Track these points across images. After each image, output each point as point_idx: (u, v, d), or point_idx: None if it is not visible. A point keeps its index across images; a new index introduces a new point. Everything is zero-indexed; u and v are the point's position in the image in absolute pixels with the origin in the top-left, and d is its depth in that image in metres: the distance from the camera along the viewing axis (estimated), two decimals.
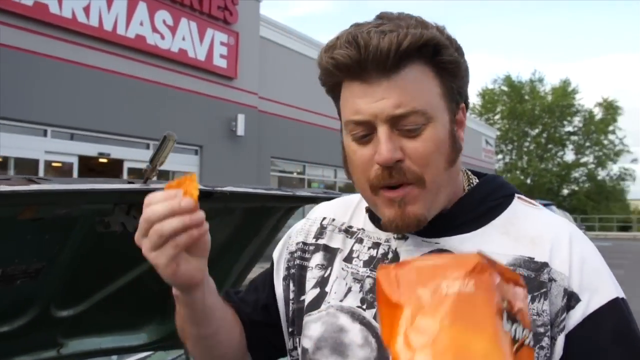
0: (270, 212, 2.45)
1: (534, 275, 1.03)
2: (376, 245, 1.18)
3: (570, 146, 53.85)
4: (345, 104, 1.05)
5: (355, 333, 1.10)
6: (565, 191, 53.80)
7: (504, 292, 0.78)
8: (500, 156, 51.82)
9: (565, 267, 1.03)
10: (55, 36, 11.59)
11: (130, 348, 2.51)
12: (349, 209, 1.28)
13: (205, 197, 1.88)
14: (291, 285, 1.27)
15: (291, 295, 1.27)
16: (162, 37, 13.95)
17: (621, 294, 1.05)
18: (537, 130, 52.93)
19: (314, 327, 1.17)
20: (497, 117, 53.44)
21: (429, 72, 1.01)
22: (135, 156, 13.68)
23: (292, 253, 1.30)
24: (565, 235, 1.08)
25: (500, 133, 49.97)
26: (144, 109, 13.43)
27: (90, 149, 12.73)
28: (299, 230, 1.33)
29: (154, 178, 1.58)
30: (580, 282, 1.02)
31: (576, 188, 53.82)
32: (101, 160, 13.08)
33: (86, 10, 12.07)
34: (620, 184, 54.76)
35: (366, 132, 1.03)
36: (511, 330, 0.77)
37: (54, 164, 12.18)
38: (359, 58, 0.98)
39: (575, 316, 1.01)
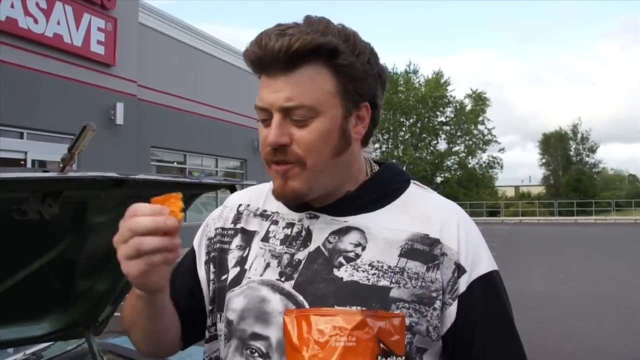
0: None
1: (428, 250, 1.21)
2: (290, 225, 1.32)
3: (443, 136, 56.38)
4: (259, 88, 1.22)
5: (276, 302, 1.22)
6: (439, 179, 56.24)
7: (381, 334, 1.04)
8: (377, 145, 53.25)
9: (454, 244, 1.22)
10: None
11: (32, 338, 2.50)
12: (262, 195, 1.43)
13: (118, 185, 1.94)
14: (211, 267, 1.40)
15: (212, 277, 1.39)
16: (36, 21, 13.31)
17: (495, 267, 1.28)
18: (411, 120, 54.87)
19: (236, 301, 1.28)
20: None
21: (325, 73, 1.17)
22: (9, 146, 13.05)
23: (210, 239, 1.43)
24: (454, 216, 1.27)
25: None
26: (17, 97, 12.81)
27: None
28: (216, 217, 1.46)
29: (73, 166, 1.62)
30: (465, 257, 1.22)
31: (449, 176, 56.41)
32: None
33: None
34: (489, 172, 57.98)
35: (266, 117, 1.20)
36: None
37: None
38: (260, 56, 1.16)
39: (462, 283, 1.21)
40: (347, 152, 1.25)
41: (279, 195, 1.25)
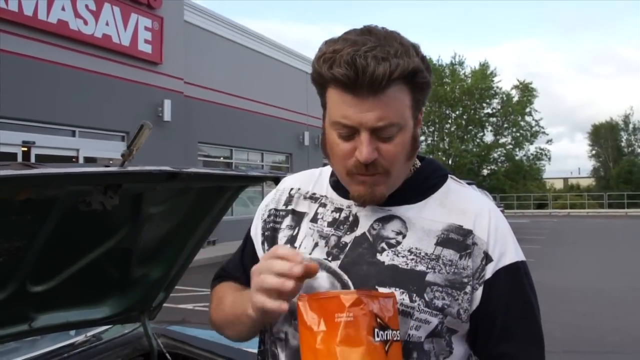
0: (222, 192, 2.67)
1: (462, 239, 1.34)
2: (339, 210, 1.44)
3: (489, 127, 55.60)
4: (335, 106, 1.29)
5: (323, 279, 1.34)
6: (485, 171, 55.54)
7: (377, 311, 1.16)
8: (423, 138, 52.80)
9: (485, 235, 1.35)
10: None
11: (93, 321, 2.69)
12: (312, 179, 1.55)
13: (171, 178, 2.10)
14: (266, 245, 1.52)
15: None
16: (85, 23, 13.76)
17: (522, 258, 1.39)
18: (457, 112, 54.32)
19: None
20: None
21: (405, 90, 1.25)
22: (62, 144, 13.48)
23: (265, 221, 1.55)
24: (485, 209, 1.40)
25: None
26: (69, 96, 13.24)
27: (14, 138, 12.48)
28: (270, 201, 1.58)
29: (131, 161, 1.79)
30: (493, 247, 1.34)
31: (495, 168, 55.66)
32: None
33: None
34: (537, 164, 57.06)
35: (350, 132, 1.28)
36: (384, 336, 1.15)
37: None
38: (356, 80, 1.19)
39: (488, 270, 1.33)
40: (416, 153, 1.39)
41: (366, 201, 1.35)
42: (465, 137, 54.54)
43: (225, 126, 19.32)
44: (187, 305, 9.64)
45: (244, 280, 1.49)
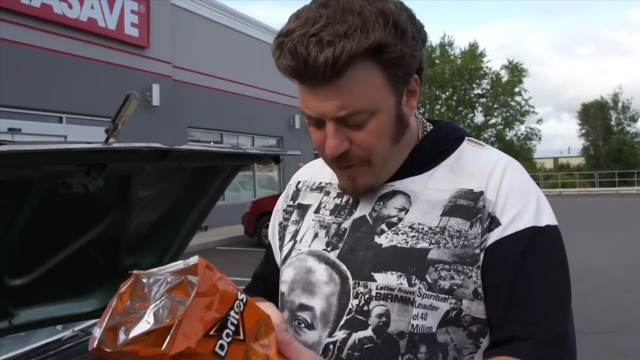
0: (218, 171, 2.48)
1: (472, 205, 1.14)
2: (341, 194, 1.30)
3: (480, 108, 55.54)
4: (300, 94, 1.13)
5: (321, 272, 1.21)
6: None
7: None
8: None
9: (493, 194, 1.14)
10: None
11: (81, 315, 2.50)
12: (320, 168, 1.40)
13: (162, 157, 1.90)
14: (282, 248, 1.40)
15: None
16: (70, 6, 13.46)
17: (545, 223, 1.12)
18: (447, 94, 54.21)
19: (286, 272, 1.28)
20: None
21: (372, 69, 1.07)
22: (49, 131, 13.23)
23: (280, 223, 1.43)
24: (501, 166, 1.18)
25: None
26: (54, 82, 12.99)
27: None
28: (282, 199, 1.46)
29: (116, 136, 1.59)
30: (503, 208, 1.12)
31: None
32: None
33: None
34: (527, 144, 57.09)
35: (317, 122, 1.14)
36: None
37: None
38: (300, 70, 1.05)
39: (492, 237, 1.11)
40: (405, 132, 1.20)
41: (349, 192, 1.24)
42: (456, 118, 54.40)
43: (215, 110, 19.09)
44: None
45: (266, 292, 1.39)
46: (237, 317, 0.91)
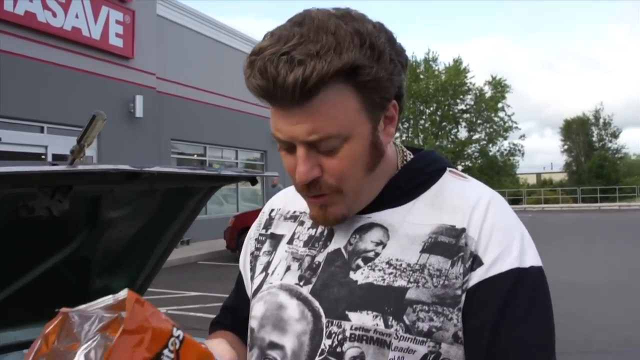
0: (192, 193, 2.40)
1: (454, 242, 1.06)
2: (316, 225, 1.22)
3: (463, 123, 55.77)
4: (271, 116, 1.07)
5: (293, 308, 1.13)
6: (460, 167, 55.37)
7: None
8: (397, 134, 52.87)
9: (476, 232, 1.07)
10: None
11: None
12: (293, 195, 1.30)
13: (131, 179, 1.82)
14: (252, 279, 1.32)
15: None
16: (54, 15, 13.32)
17: (529, 264, 1.06)
18: (431, 109, 54.40)
19: (257, 307, 1.20)
20: None
21: (346, 92, 1.01)
22: (29, 140, 13.07)
23: (252, 253, 1.35)
24: (484, 202, 1.11)
25: None
26: (36, 91, 12.84)
27: None
28: (255, 227, 1.38)
29: (82, 159, 1.50)
30: (486, 247, 1.05)
31: (470, 164, 55.87)
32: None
33: None
34: (511, 160, 57.36)
35: (288, 146, 1.07)
36: None
37: None
38: (269, 89, 0.98)
39: (474, 278, 1.04)
40: (381, 160, 1.12)
41: (320, 222, 1.16)
42: (440, 133, 54.64)
43: (199, 123, 18.99)
44: (160, 308, 9.12)
45: (234, 325, 1.34)
46: (171, 355, 0.84)
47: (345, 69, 0.97)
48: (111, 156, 14.20)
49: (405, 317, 1.02)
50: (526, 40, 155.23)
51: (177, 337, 0.86)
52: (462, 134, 55.93)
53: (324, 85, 0.97)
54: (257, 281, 1.26)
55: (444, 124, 54.74)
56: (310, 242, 1.20)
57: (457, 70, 52.76)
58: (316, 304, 1.10)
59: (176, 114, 17.90)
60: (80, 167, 1.54)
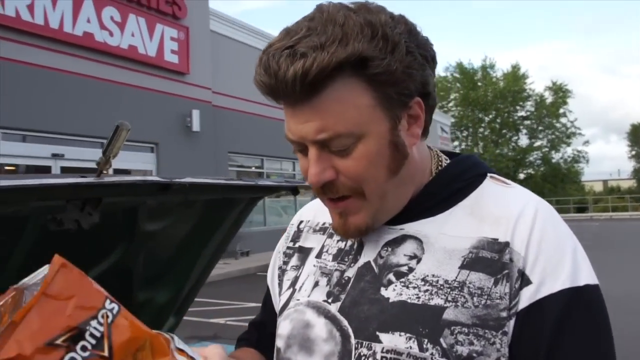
0: (232, 204, 2.36)
1: (497, 258, 0.96)
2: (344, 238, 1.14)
3: (524, 130, 54.75)
4: (285, 116, 1.01)
5: (320, 327, 1.05)
6: (522, 175, 54.61)
7: None
8: (456, 143, 52.42)
9: (522, 246, 0.96)
10: None
11: None
12: (323, 206, 1.21)
13: (163, 190, 1.78)
14: (281, 294, 1.25)
15: None
16: (111, 34, 13.68)
17: (583, 282, 0.95)
18: (490, 116, 53.65)
19: (283, 325, 1.12)
20: (450, 104, 53.95)
21: (357, 86, 0.94)
22: (91, 156, 13.41)
23: (280, 267, 1.28)
24: (530, 212, 1.00)
25: (454, 120, 50.50)
26: (96, 108, 13.16)
27: (43, 151, 12.40)
28: (283, 240, 1.31)
29: (109, 171, 1.47)
30: (534, 264, 0.95)
31: (532, 172, 54.73)
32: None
33: (30, 8, 11.79)
34: (575, 167, 55.90)
35: (301, 147, 1.01)
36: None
37: (7, 167, 11.84)
38: (271, 85, 0.94)
39: (523, 300, 0.94)
40: (406, 163, 1.02)
41: (340, 233, 1.07)
42: (500, 140, 53.76)
43: (256, 135, 19.14)
44: (218, 319, 9.32)
45: (259, 342, 1.30)
46: (100, 328, 0.76)
47: (351, 61, 0.90)
48: (170, 170, 14.41)
49: (442, 340, 0.92)
50: (586, 44, 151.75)
51: (111, 309, 0.79)
52: (523, 141, 54.98)
53: (330, 80, 0.91)
54: (284, 297, 1.18)
55: (503, 131, 53.91)
56: (339, 256, 1.12)
57: (515, 77, 51.96)
58: (345, 323, 1.02)
59: (233, 126, 18.09)
60: (107, 179, 1.51)
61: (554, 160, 54.71)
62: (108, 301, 0.79)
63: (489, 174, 1.10)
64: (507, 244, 0.97)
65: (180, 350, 0.88)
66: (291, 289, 1.17)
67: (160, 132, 14.87)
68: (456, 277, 0.96)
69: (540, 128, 54.26)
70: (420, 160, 1.08)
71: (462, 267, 0.97)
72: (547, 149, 54.61)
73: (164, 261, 2.42)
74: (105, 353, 0.76)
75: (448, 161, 1.14)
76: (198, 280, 2.59)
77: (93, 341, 0.75)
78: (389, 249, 1.04)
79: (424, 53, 0.99)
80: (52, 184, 1.40)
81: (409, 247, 1.03)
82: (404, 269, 1.01)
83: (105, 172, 1.48)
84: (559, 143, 54.14)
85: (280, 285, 1.24)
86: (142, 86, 14.51)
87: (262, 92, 0.97)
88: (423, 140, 1.09)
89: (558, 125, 53.66)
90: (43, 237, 1.75)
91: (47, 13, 12.14)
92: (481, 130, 54.45)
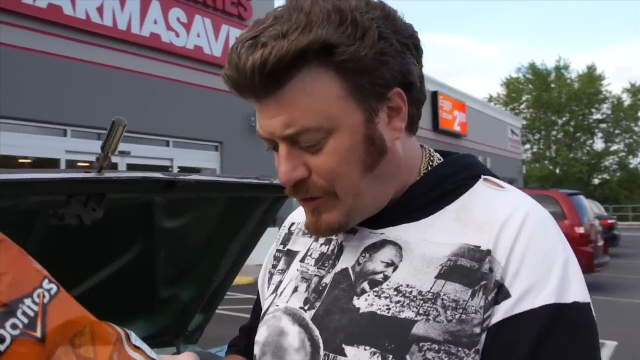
0: (255, 203, 2.35)
1: (477, 267, 0.88)
2: (329, 241, 1.08)
3: (600, 134, 53.03)
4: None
5: (293, 336, 0.99)
6: (596, 180, 52.91)
7: None
8: (527, 146, 51.24)
9: (504, 255, 0.88)
10: (70, 37, 11.70)
11: None
12: None
13: (168, 187, 1.79)
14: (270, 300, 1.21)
15: None
16: (177, 35, 13.99)
17: (571, 299, 0.86)
18: (564, 119, 52.20)
19: (260, 332, 1.07)
20: (522, 106, 52.78)
21: (324, 76, 0.88)
22: (156, 154, 13.75)
23: (269, 270, 1.23)
24: (518, 218, 0.91)
25: (526, 122, 49.35)
26: (162, 107, 13.48)
27: None
28: (275, 242, 1.26)
29: (107, 166, 1.48)
30: (515, 275, 0.87)
31: (607, 177, 52.92)
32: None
33: (99, 10, 12.18)
34: None
35: (273, 144, 0.96)
36: None
37: (79, 163, 12.25)
38: (235, 79, 0.89)
39: (497, 314, 0.86)
40: (385, 159, 0.95)
41: (312, 232, 1.01)
42: (574, 144, 52.24)
43: None
44: None
45: (247, 348, 1.21)
46: (35, 308, 0.74)
47: (315, 48, 0.85)
48: (233, 168, 14.60)
49: (408, 357, 0.85)
50: None
51: (49, 290, 0.76)
52: (598, 145, 53.21)
53: (295, 70, 0.86)
54: (266, 302, 1.13)
55: (578, 134, 52.39)
56: (320, 260, 1.06)
57: (591, 78, 50.40)
58: (316, 332, 0.96)
59: None
60: (107, 175, 1.52)
61: (631, 166, 52.76)
62: (47, 281, 0.77)
63: (482, 176, 1.02)
64: (488, 252, 0.88)
65: (137, 348, 0.86)
66: (273, 294, 1.12)
67: (224, 131, 15.09)
68: (431, 288, 0.89)
69: (617, 131, 52.45)
70: (406, 157, 1.00)
71: (438, 276, 0.89)
72: (624, 154, 52.71)
73: (187, 259, 2.43)
74: (38, 333, 0.74)
75: (440, 160, 1.06)
76: (225, 278, 2.59)
77: (25, 320, 0.73)
78: (367, 255, 0.98)
79: (403, 40, 0.93)
80: (50, 178, 1.42)
81: (387, 254, 0.96)
82: (379, 277, 0.94)
83: (104, 167, 1.49)
84: (637, 147, 52.17)
85: (268, 289, 1.19)
86: (207, 86, 14.75)
87: (227, 86, 0.93)
88: (410, 137, 1.02)
89: (636, 128, 51.73)
90: (59, 231, 1.77)
91: (116, 15, 12.52)
92: (554, 133, 53.06)
